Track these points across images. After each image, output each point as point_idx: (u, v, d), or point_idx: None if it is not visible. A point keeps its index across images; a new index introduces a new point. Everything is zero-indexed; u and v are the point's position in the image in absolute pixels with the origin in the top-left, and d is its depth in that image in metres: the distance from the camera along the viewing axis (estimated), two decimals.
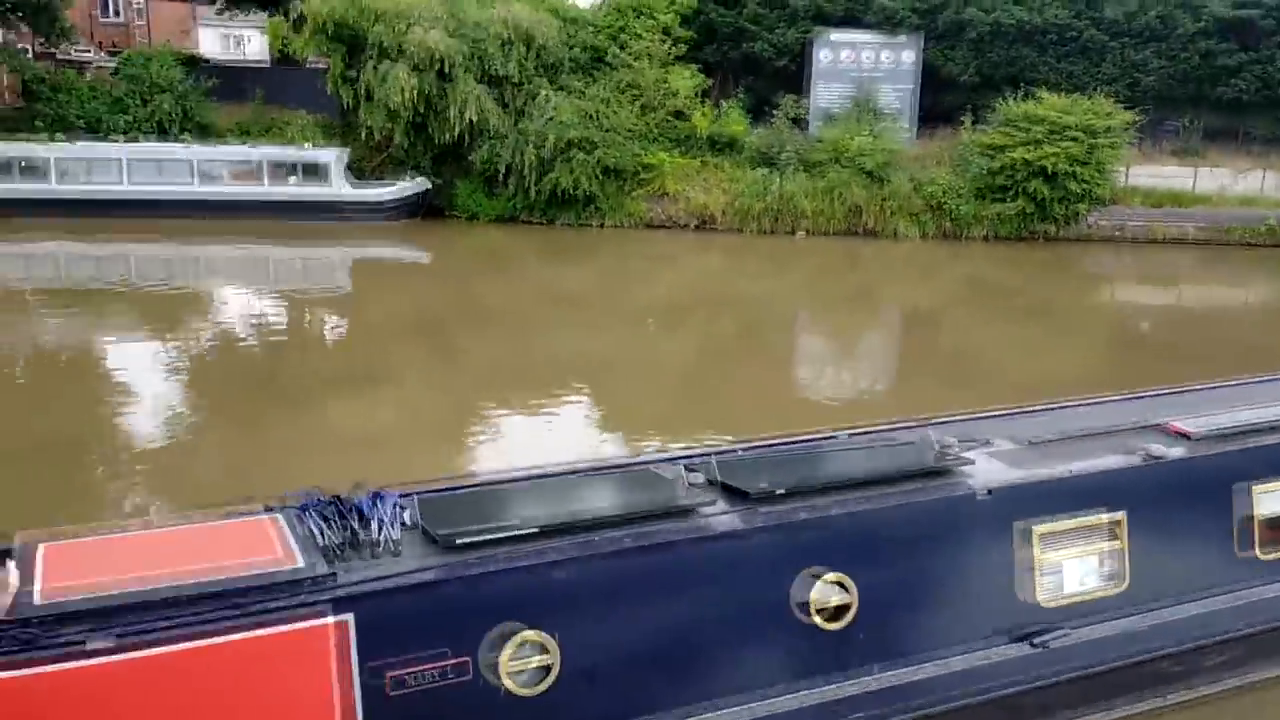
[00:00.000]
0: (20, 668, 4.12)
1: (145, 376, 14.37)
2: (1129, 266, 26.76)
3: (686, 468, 5.77)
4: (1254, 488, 6.62)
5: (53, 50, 33.45)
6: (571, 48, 29.17)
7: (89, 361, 15.84)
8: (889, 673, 5.56)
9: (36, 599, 4.34)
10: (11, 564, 4.61)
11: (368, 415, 13.17)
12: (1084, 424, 6.95)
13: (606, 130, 27.66)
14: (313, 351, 16.87)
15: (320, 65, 30.33)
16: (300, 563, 4.67)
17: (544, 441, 12.42)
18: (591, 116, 27.71)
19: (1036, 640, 5.86)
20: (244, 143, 28.82)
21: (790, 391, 15.68)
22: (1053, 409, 7.42)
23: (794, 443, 6.65)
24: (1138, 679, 6.26)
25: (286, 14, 28.42)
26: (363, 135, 27.94)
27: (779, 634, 5.41)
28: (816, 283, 24.68)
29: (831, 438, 6.75)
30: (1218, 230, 29.06)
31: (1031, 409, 7.42)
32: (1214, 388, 8.16)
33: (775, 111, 29.22)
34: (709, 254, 26.74)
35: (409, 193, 27.84)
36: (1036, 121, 27.27)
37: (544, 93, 27.69)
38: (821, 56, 30.75)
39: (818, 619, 5.43)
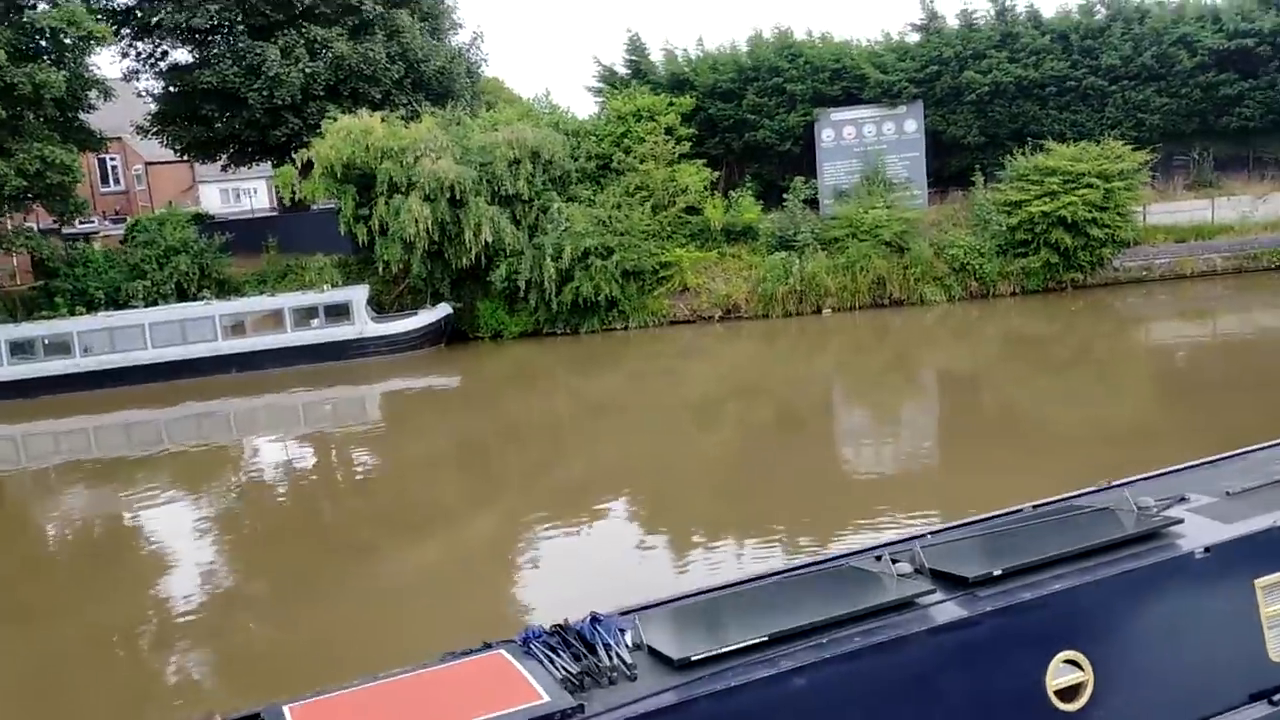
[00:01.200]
0: None
1: (189, 545, 14.04)
2: (1162, 304, 26.29)
3: (891, 558, 5.68)
4: None
5: (59, 226, 33.94)
6: (577, 158, 29.47)
7: (131, 534, 15.53)
8: None
9: None
10: None
11: (424, 557, 12.74)
12: (1268, 469, 6.80)
13: (621, 234, 27.73)
14: (354, 494, 16.49)
15: (329, 206, 30.72)
16: (546, 697, 4.65)
17: (602, 555, 11.99)
18: (605, 223, 27.83)
19: (1276, 698, 5.70)
20: (264, 292, 29.05)
21: (837, 474, 15.35)
22: (1230, 457, 7.35)
23: (980, 521, 6.51)
24: None
25: (294, 162, 28.90)
26: (380, 269, 28.11)
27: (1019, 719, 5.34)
28: (849, 358, 24.33)
29: (1016, 511, 6.60)
30: (1246, 257, 28.64)
31: (1210, 460, 7.34)
32: None
33: (786, 195, 29.25)
34: (738, 342, 26.48)
35: (432, 320, 27.85)
36: (1049, 173, 27.15)
37: (555, 205, 27.86)
38: (825, 136, 30.93)
39: (1056, 701, 5.32)
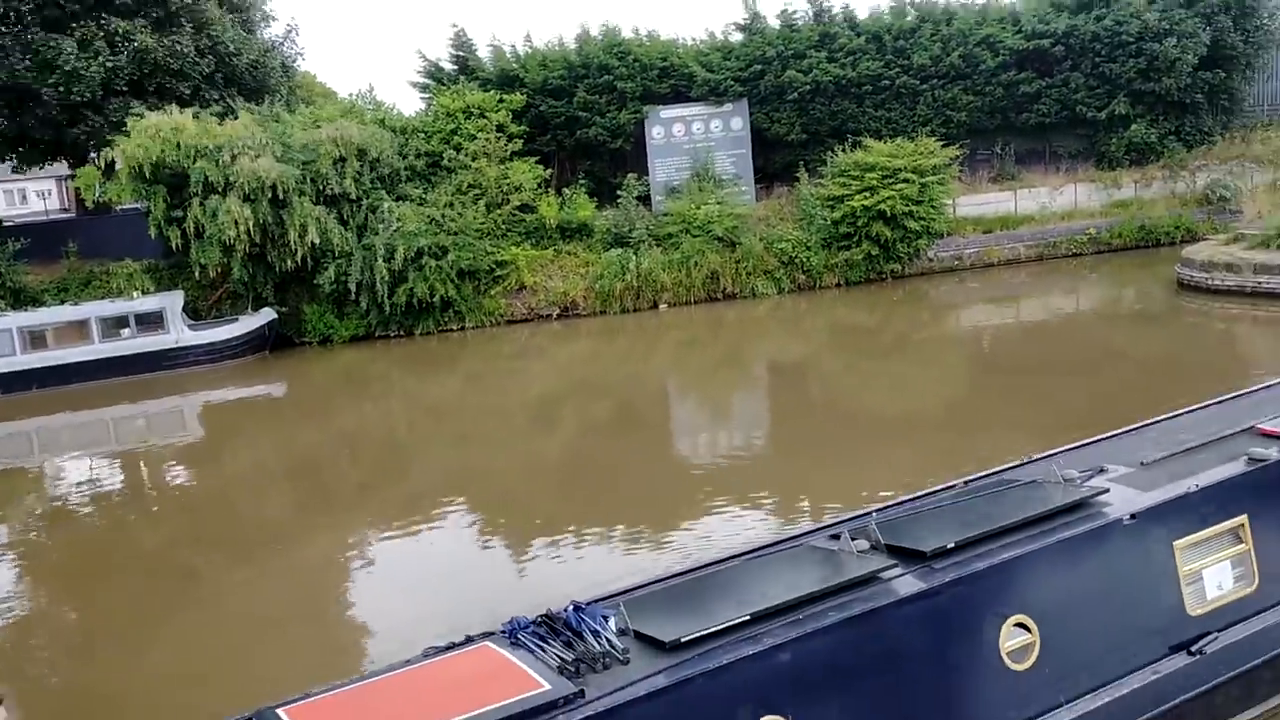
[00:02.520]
0: None
1: None
2: (974, 291, 27.84)
3: (850, 535, 6.02)
4: None
5: None
6: (405, 156, 28.72)
7: None
8: (1075, 703, 5.92)
9: None
10: None
11: (257, 581, 12.10)
12: (1176, 438, 7.47)
13: (455, 233, 27.22)
14: (175, 516, 15.52)
15: (135, 208, 28.81)
16: (546, 685, 4.76)
17: (446, 564, 11.72)
18: (438, 222, 27.24)
19: (1193, 649, 6.32)
20: (66, 301, 27.05)
21: (672, 465, 15.58)
22: (1140, 429, 7.99)
23: (921, 497, 6.99)
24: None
25: (97, 162, 26.95)
26: (196, 274, 26.63)
27: (979, 681, 5.78)
28: (686, 353, 24.69)
29: (950, 487, 7.12)
30: (1046, 245, 30.75)
31: (1123, 431, 7.96)
32: (1269, 387, 8.77)
33: (619, 192, 29.42)
34: (577, 340, 26.45)
35: (255, 326, 26.59)
36: (868, 169, 28.30)
37: (385, 205, 27.05)
38: (655, 133, 31.27)
39: (1009, 662, 5.81)
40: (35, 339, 25.19)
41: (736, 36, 32.34)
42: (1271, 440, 7.17)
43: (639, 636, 5.18)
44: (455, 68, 32.27)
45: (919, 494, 7.06)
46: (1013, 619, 5.83)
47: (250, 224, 25.10)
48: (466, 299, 27.53)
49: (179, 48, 29.46)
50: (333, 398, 23.08)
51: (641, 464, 15.34)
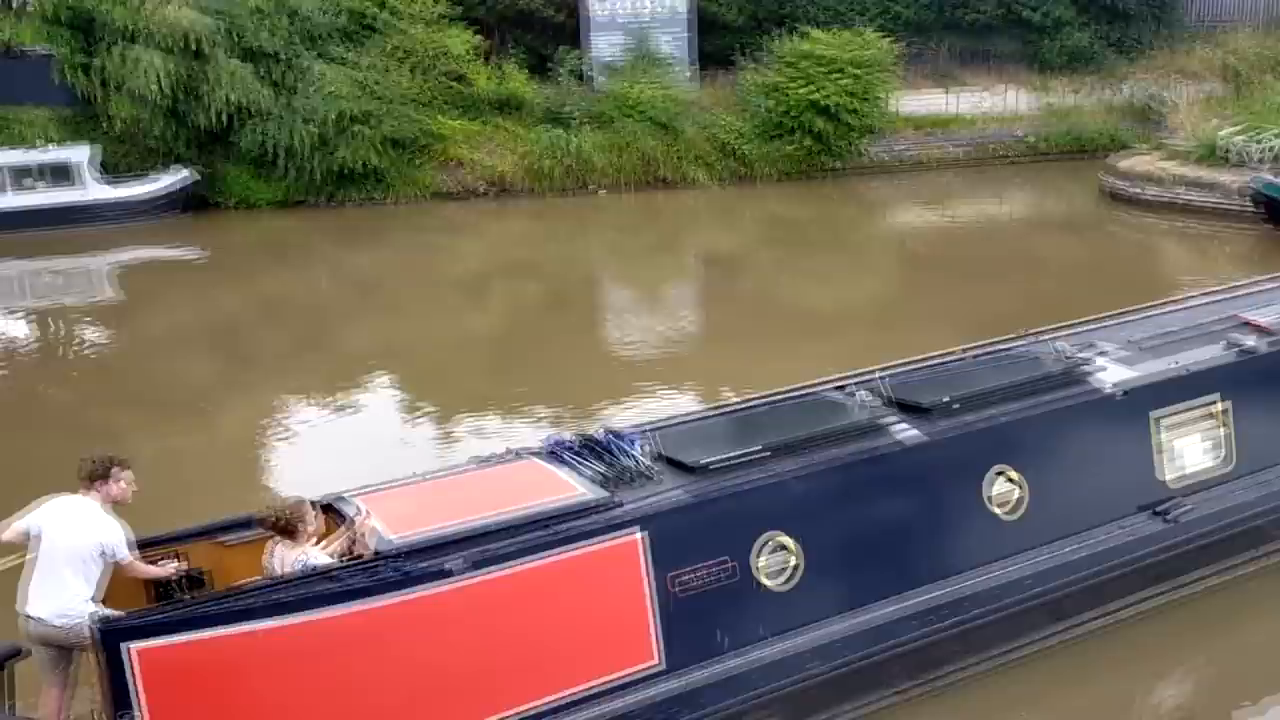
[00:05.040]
0: (393, 593, 4.94)
1: None
2: (907, 192, 28.01)
3: (862, 388, 6.75)
4: None
5: None
6: (331, 13, 27.36)
7: None
8: (1056, 550, 6.64)
9: (393, 538, 5.14)
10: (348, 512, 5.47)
11: (177, 440, 11.92)
12: (1168, 326, 8.08)
13: (384, 99, 26.21)
14: (91, 377, 15.11)
15: (42, 52, 27.08)
16: (588, 492, 5.57)
17: (366, 432, 11.71)
18: (365, 86, 26.18)
19: (1164, 512, 6.99)
20: None
21: (600, 347, 15.68)
22: (1132, 318, 8.59)
23: (925, 361, 7.59)
24: (1247, 540, 7.42)
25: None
26: (110, 128, 25.32)
27: (970, 524, 6.48)
28: (619, 238, 24.53)
29: (950, 353, 7.73)
30: (980, 148, 30.81)
31: (1118, 316, 8.58)
32: (1262, 284, 9.35)
33: (557, 67, 28.57)
34: (507, 219, 26.02)
35: (172, 186, 25.47)
36: (810, 59, 27.86)
37: (311, 65, 25.87)
38: (595, 7, 30.24)
39: (998, 510, 6.51)
40: None
41: None
42: (1255, 330, 7.76)
43: (667, 460, 5.91)
44: None
45: (925, 357, 7.61)
46: (1002, 471, 6.50)
47: (166, 76, 23.85)
48: (395, 169, 26.69)
49: None
50: (254, 263, 22.45)
51: (569, 345, 15.35)
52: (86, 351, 16.62)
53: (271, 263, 22.53)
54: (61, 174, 24.55)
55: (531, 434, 11.45)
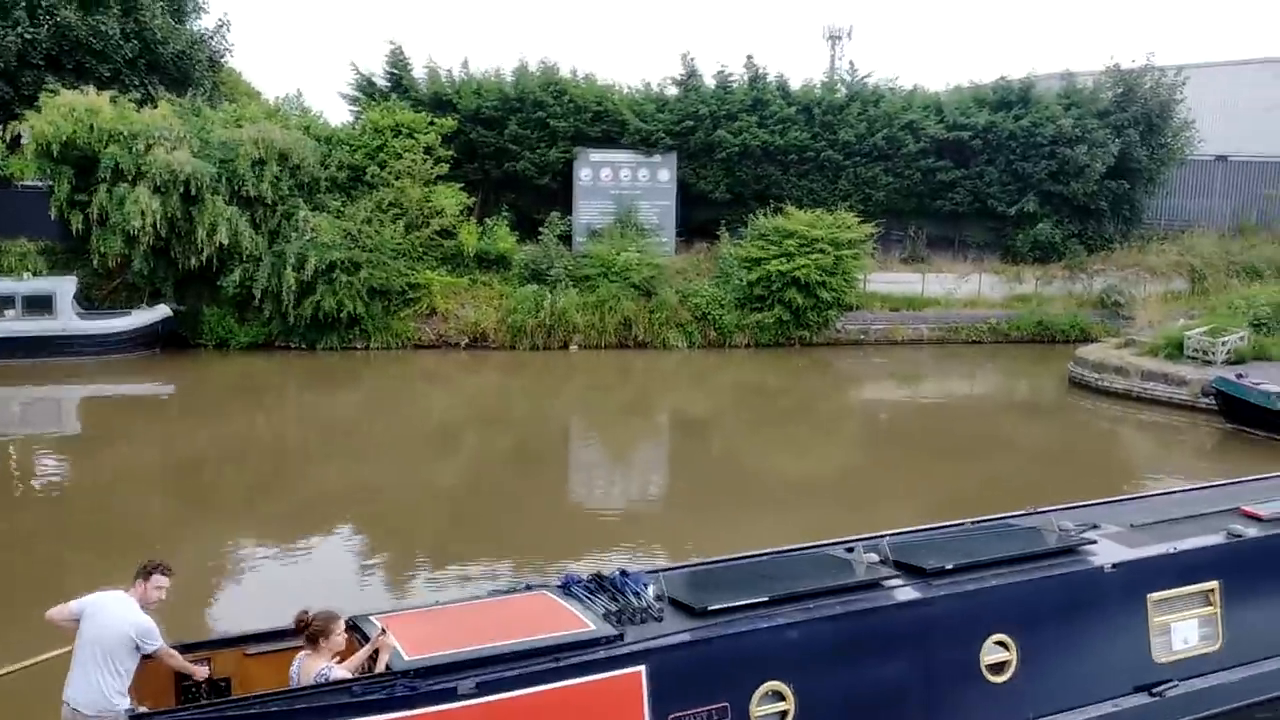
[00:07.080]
0: (403, 709, 5.19)
1: None
2: (876, 367, 28.50)
3: (864, 549, 6.96)
4: None
5: None
6: (328, 166, 28.24)
7: None
8: None
9: (407, 657, 5.44)
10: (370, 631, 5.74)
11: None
12: (1168, 511, 8.35)
13: (371, 250, 26.78)
14: (41, 510, 14.74)
15: (36, 186, 27.66)
16: (594, 627, 5.80)
17: (318, 577, 11.36)
18: (354, 236, 26.78)
19: (1154, 691, 7.10)
20: None
21: (565, 507, 15.45)
22: (1133, 498, 9.01)
23: (931, 529, 7.86)
24: None
25: (2, 134, 25.86)
26: (94, 261, 25.64)
27: (959, 685, 6.58)
28: (592, 397, 24.63)
29: (959, 524, 8.00)
30: (948, 329, 31.72)
31: (1118, 499, 8.92)
32: (1266, 479, 9.70)
33: (542, 229, 29.40)
34: (483, 372, 26.16)
35: (148, 321, 25.66)
36: (788, 235, 28.89)
37: (301, 213, 26.49)
38: (583, 175, 31.44)
39: (987, 673, 6.62)
40: None
41: (672, 90, 32.82)
42: (1252, 520, 8.00)
43: (673, 602, 6.17)
44: (388, 84, 31.97)
45: (929, 526, 7.88)
46: (995, 637, 6.65)
47: (158, 216, 24.37)
48: (375, 318, 27.07)
49: (103, 28, 28.63)
50: (224, 403, 22.30)
51: (535, 503, 15.16)
52: (42, 483, 16.26)
53: (241, 403, 22.40)
54: (40, 305, 24.70)
55: (489, 584, 11.21)
